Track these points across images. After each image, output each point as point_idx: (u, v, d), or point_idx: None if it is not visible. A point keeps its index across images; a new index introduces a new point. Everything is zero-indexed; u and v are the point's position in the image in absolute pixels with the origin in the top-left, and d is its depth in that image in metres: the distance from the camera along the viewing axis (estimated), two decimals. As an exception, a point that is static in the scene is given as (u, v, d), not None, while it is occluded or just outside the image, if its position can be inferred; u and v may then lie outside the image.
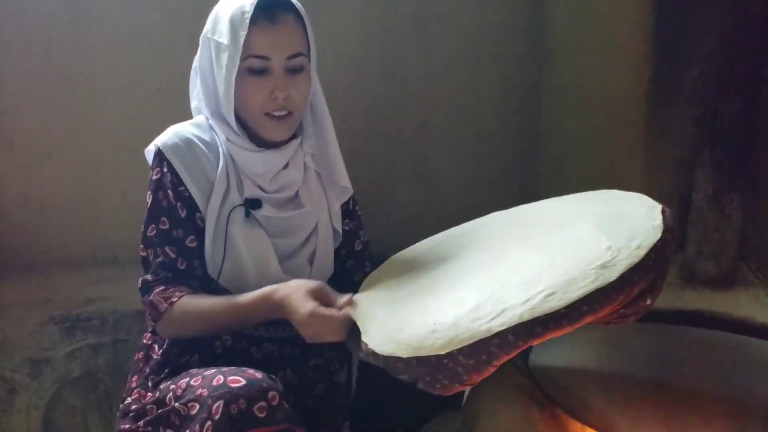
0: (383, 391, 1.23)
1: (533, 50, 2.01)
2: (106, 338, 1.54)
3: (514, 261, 1.05)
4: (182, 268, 1.15)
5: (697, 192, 1.73)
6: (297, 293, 1.06)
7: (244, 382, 0.97)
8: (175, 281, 1.14)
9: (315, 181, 1.27)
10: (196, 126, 1.22)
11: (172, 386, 1.07)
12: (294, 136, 1.22)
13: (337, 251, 1.32)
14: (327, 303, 1.06)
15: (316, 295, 1.06)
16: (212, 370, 1.03)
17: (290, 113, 1.16)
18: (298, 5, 1.16)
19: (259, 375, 1.00)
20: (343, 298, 1.07)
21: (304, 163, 1.25)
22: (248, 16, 1.09)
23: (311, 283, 1.08)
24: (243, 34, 1.09)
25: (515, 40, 1.99)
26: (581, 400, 1.16)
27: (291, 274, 1.21)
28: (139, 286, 1.16)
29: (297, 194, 1.24)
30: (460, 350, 0.91)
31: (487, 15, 1.97)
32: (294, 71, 1.15)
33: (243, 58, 1.11)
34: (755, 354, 1.36)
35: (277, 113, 1.15)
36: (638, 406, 1.16)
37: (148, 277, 1.15)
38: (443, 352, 0.91)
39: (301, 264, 1.24)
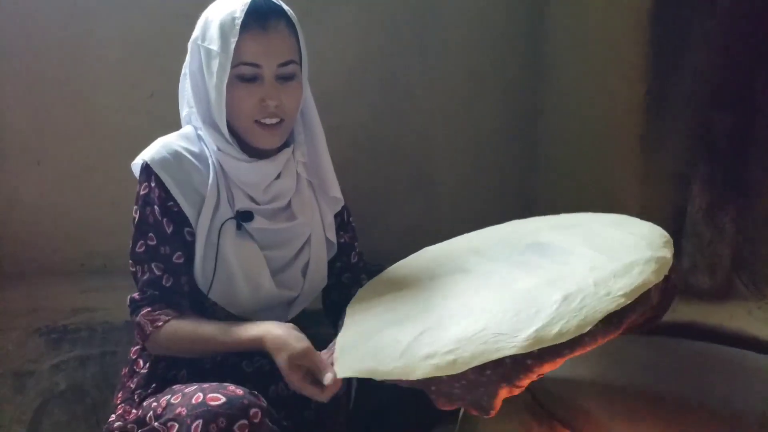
0: (382, 402, 1.22)
1: (532, 62, 2.02)
2: (94, 350, 1.51)
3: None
4: (168, 285, 1.12)
5: (692, 205, 1.73)
6: (283, 354, 1.02)
7: (223, 399, 0.95)
8: (162, 300, 1.12)
9: (307, 190, 1.25)
10: (185, 138, 1.19)
11: (154, 404, 1.04)
12: (285, 145, 1.21)
13: (332, 263, 1.30)
14: (312, 369, 1.02)
15: (301, 362, 1.02)
16: (193, 387, 1.00)
17: (281, 121, 1.15)
18: (290, 12, 1.14)
19: (240, 391, 0.97)
20: (329, 377, 1.01)
21: (297, 173, 1.23)
22: (239, 22, 1.07)
23: (297, 347, 1.02)
24: (234, 40, 1.07)
25: (514, 52, 2.00)
26: (579, 413, 1.16)
27: (284, 287, 1.20)
28: (128, 303, 1.14)
29: (289, 204, 1.22)
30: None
31: (486, 26, 1.98)
32: (285, 79, 1.13)
33: (233, 65, 1.09)
34: (748, 367, 1.37)
35: (267, 121, 1.13)
36: (635, 419, 1.16)
37: (135, 295, 1.14)
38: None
39: (294, 276, 1.22)
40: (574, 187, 2.01)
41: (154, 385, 1.15)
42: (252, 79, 1.11)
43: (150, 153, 1.15)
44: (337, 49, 1.81)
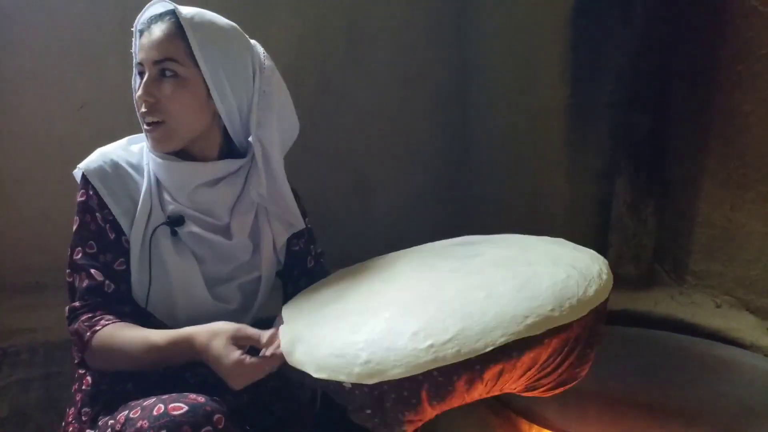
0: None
1: (460, 65, 2.08)
2: (36, 372, 1.44)
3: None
4: (110, 292, 1.10)
5: (617, 200, 1.86)
6: (217, 341, 1.00)
7: (186, 408, 0.93)
8: (104, 307, 1.09)
9: (252, 215, 1.21)
10: (125, 147, 1.18)
11: (111, 421, 1.01)
12: (230, 156, 1.19)
13: (290, 271, 1.30)
14: (250, 344, 1.02)
15: (238, 340, 1.01)
16: (152, 400, 0.98)
17: (160, 122, 1.12)
18: (185, 14, 1.11)
19: (201, 399, 0.96)
20: (265, 335, 1.02)
21: (241, 193, 1.20)
22: (136, 24, 1.13)
23: (230, 328, 1.02)
24: (135, 42, 1.13)
25: (442, 55, 2.06)
26: (532, 401, 1.19)
27: (220, 300, 1.18)
28: (66, 314, 1.10)
29: (228, 226, 1.19)
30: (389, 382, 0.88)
31: (415, 29, 2.03)
32: (164, 77, 1.11)
33: (135, 65, 1.14)
34: (682, 349, 1.49)
35: (147, 119, 1.11)
36: (586, 405, 1.24)
37: (76, 303, 1.09)
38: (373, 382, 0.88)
39: (232, 291, 1.20)
40: (503, 185, 2.10)
41: (102, 400, 1.11)
42: (141, 77, 1.13)
43: (86, 162, 1.13)
44: (271, 55, 1.81)
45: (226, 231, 1.19)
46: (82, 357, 1.09)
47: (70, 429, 1.11)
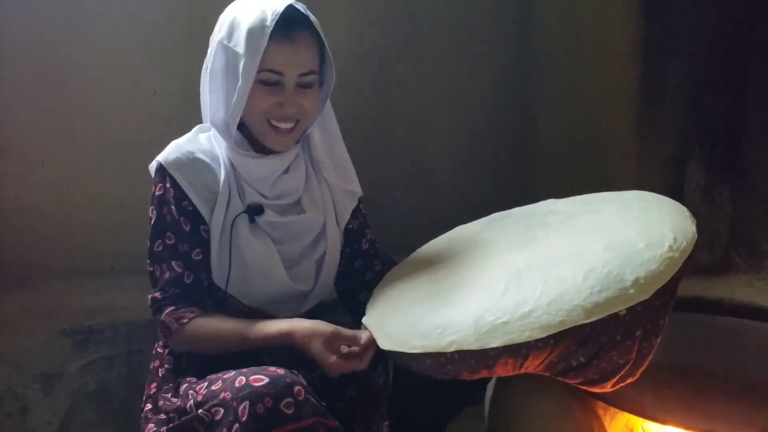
0: (417, 389, 1.24)
1: (522, 51, 2.06)
2: (119, 350, 1.50)
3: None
4: (189, 282, 1.14)
5: (689, 185, 1.80)
6: (316, 343, 1.07)
7: (267, 380, 0.96)
8: (185, 298, 1.14)
9: (318, 187, 1.27)
10: (197, 138, 1.23)
11: (191, 392, 1.05)
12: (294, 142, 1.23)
13: (341, 251, 1.32)
14: (348, 343, 1.09)
15: (334, 343, 1.07)
16: (231, 373, 1.02)
17: (296, 123, 1.18)
18: (316, 22, 1.16)
19: (281, 371, 0.99)
20: (363, 337, 1.09)
21: (306, 169, 1.26)
22: (268, 31, 1.09)
23: (326, 330, 1.08)
24: (262, 48, 1.09)
25: (504, 41, 2.04)
26: None
27: (297, 281, 1.22)
28: (149, 303, 1.15)
29: (299, 201, 1.24)
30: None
31: (477, 16, 2.02)
32: (304, 87, 1.16)
33: (258, 71, 1.11)
34: (759, 335, 1.44)
35: (282, 126, 1.16)
36: (664, 390, 1.22)
37: (157, 294, 1.15)
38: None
39: (308, 270, 1.25)
40: (569, 172, 2.07)
41: (181, 376, 1.16)
42: (273, 84, 1.14)
43: (164, 155, 1.18)
44: (331, 43, 1.83)
45: (298, 207, 1.24)
46: (166, 343, 1.15)
47: (151, 401, 1.15)
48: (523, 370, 0.99)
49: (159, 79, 1.75)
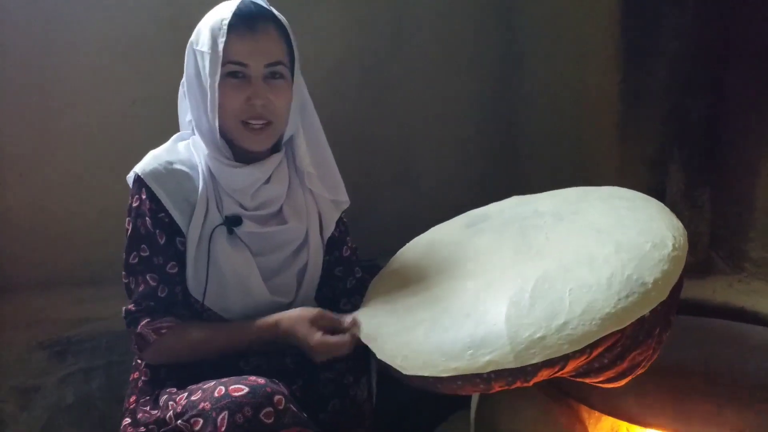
0: (401, 400, 1.24)
1: (507, 55, 2.07)
2: (99, 361, 1.48)
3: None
4: (163, 295, 1.13)
5: (671, 187, 1.82)
6: (301, 324, 1.10)
7: (246, 389, 0.96)
8: (159, 311, 1.13)
9: (302, 196, 1.26)
10: (175, 147, 1.22)
11: (171, 403, 1.04)
12: (275, 150, 1.22)
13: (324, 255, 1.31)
14: (331, 327, 1.12)
15: (319, 322, 1.11)
16: (211, 383, 1.01)
17: (269, 123, 1.16)
18: (280, 16, 1.17)
19: (261, 380, 0.99)
20: (347, 319, 1.13)
21: (289, 177, 1.24)
22: (226, 23, 1.11)
23: (311, 312, 1.12)
24: (222, 41, 1.11)
25: (489, 47, 2.05)
26: (592, 389, 1.19)
27: (277, 293, 1.21)
28: (123, 315, 1.14)
29: (281, 210, 1.23)
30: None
31: (462, 22, 2.02)
32: (273, 79, 1.15)
33: (223, 64, 1.11)
34: (740, 336, 1.45)
35: (254, 123, 1.15)
36: (647, 393, 1.21)
37: (131, 307, 1.14)
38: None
39: (288, 282, 1.23)
40: (554, 175, 2.07)
41: (160, 386, 1.14)
42: (240, 77, 1.13)
43: (141, 165, 1.17)
44: (317, 48, 1.82)
45: (280, 217, 1.22)
46: (139, 356, 1.15)
47: (130, 415, 1.13)
48: (556, 376, 0.98)
49: (140, 87, 1.73)
